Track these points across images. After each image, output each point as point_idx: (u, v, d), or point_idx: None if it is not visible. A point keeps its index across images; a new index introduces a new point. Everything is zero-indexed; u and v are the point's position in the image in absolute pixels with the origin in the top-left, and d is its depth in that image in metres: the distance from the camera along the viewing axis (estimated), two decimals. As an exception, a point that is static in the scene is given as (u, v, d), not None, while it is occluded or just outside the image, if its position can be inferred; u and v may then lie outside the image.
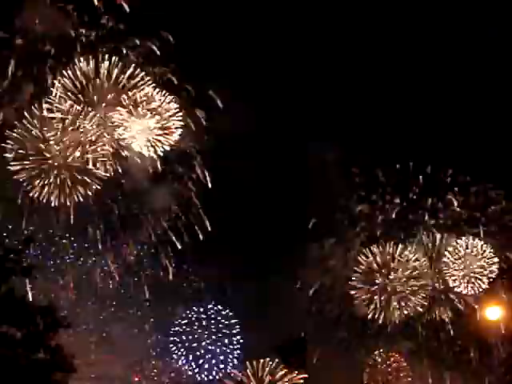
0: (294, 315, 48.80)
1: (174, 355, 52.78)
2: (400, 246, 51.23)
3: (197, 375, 52.49)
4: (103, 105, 47.36)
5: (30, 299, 30.95)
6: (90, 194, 47.74)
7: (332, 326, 51.02)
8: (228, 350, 53.22)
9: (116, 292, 50.66)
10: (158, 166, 48.95)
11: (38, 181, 47.88)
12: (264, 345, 50.62)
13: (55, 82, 46.68)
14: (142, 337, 52.13)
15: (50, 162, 47.40)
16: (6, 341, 27.89)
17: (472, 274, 50.35)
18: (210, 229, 49.59)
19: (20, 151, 46.99)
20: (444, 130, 50.68)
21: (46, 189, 47.95)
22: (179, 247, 50.08)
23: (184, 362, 52.49)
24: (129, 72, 47.21)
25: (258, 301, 50.42)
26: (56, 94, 46.58)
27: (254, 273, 48.51)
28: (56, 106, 46.59)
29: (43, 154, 47.30)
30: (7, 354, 27.36)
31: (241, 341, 53.42)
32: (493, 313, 45.31)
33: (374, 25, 50.63)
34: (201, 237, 49.84)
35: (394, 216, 52.13)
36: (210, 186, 49.79)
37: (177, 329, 53.22)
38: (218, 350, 52.75)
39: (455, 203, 51.77)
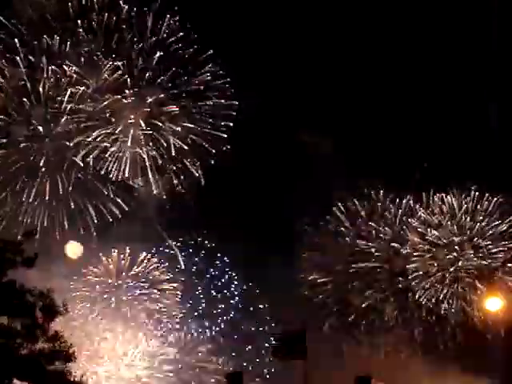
0: (293, 304, 48.16)
1: None
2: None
3: None
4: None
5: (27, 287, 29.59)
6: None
7: (330, 317, 51.19)
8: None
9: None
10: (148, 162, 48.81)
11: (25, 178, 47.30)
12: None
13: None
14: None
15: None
16: (5, 332, 26.92)
17: None
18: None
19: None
20: (442, 126, 50.50)
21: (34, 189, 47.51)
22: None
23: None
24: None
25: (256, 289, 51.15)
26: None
27: (252, 262, 48.30)
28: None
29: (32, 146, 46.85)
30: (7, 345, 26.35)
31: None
32: (493, 304, 44.93)
33: (368, 18, 50.61)
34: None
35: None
36: (202, 182, 49.80)
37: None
38: None
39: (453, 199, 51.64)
